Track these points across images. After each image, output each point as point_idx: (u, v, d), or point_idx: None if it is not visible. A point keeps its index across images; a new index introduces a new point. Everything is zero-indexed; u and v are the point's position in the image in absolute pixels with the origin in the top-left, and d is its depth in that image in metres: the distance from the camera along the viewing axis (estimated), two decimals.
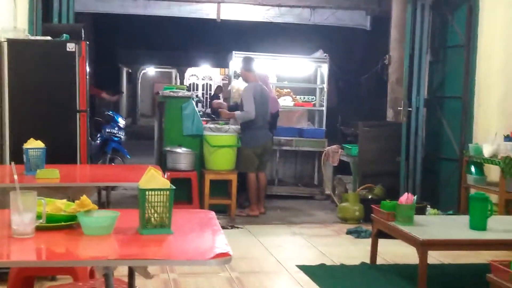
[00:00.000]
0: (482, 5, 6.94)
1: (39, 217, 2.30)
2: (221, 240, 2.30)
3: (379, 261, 5.30)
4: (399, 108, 7.82)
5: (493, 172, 6.46)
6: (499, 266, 3.45)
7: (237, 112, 7.30)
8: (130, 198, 7.89)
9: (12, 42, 5.14)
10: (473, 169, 6.52)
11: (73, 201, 2.48)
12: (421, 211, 6.05)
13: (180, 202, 6.48)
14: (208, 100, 13.85)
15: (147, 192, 2.33)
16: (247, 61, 7.66)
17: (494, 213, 4.90)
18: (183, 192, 6.81)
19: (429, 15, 7.38)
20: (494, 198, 5.76)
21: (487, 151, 6.22)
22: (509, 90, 6.68)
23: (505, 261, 3.48)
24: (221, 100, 8.99)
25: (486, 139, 6.46)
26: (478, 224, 4.73)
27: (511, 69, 6.65)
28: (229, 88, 9.26)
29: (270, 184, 8.29)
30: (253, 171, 7.31)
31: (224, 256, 2.10)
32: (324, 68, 9.14)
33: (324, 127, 9.01)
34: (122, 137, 9.61)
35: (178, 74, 27.23)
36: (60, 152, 4.65)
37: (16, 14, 5.75)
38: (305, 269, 5.08)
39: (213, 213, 2.78)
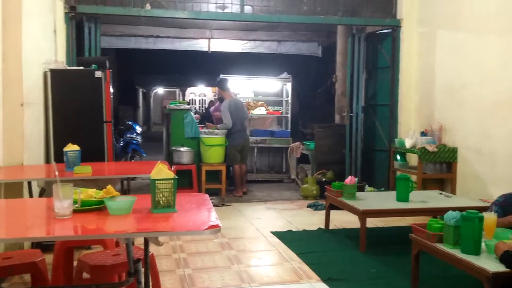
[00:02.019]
0: (402, 37, 6.99)
1: (75, 202, 2.27)
2: (213, 215, 2.29)
3: (331, 226, 5.32)
4: (343, 114, 7.85)
5: (413, 159, 6.52)
6: (418, 227, 3.47)
7: (219, 125, 7.28)
8: (146, 186, 7.77)
9: (54, 71, 5.06)
10: (398, 157, 6.57)
11: (102, 190, 2.44)
12: (361, 189, 6.08)
13: (183, 187, 6.44)
14: (203, 111, 13.88)
15: (156, 181, 2.31)
16: (222, 81, 7.57)
17: (414, 189, 4.94)
18: (186, 180, 6.75)
19: (364, 45, 7.40)
20: (414, 178, 5.83)
21: (408, 144, 6.27)
22: (423, 99, 6.75)
23: (423, 224, 3.50)
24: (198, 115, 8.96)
25: (407, 135, 6.52)
26: (403, 197, 4.77)
27: (424, 84, 6.72)
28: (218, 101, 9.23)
29: (250, 172, 8.27)
30: (237, 164, 7.29)
31: (215, 227, 2.10)
32: (288, 86, 9.14)
33: (289, 129, 9.01)
34: (139, 140, 9.52)
35: (180, 93, 27.00)
36: (92, 153, 4.57)
37: (56, 50, 5.66)
38: (277, 234, 5.08)
39: (207, 196, 2.76)
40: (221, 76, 8.52)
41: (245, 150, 7.45)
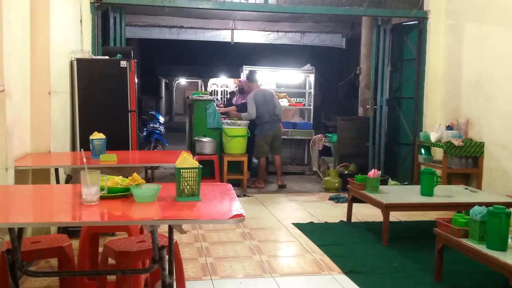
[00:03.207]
0: (429, 29, 6.87)
1: (102, 189, 2.31)
2: (236, 205, 2.30)
3: (353, 219, 5.29)
4: (367, 106, 7.79)
5: (438, 153, 6.43)
6: (443, 222, 3.43)
7: (243, 114, 7.29)
8: (169, 175, 7.90)
9: (80, 61, 5.15)
10: (423, 151, 6.49)
11: (127, 177, 2.48)
12: (384, 182, 6.05)
13: (205, 177, 6.50)
14: (225, 102, 13.87)
15: (181, 170, 2.33)
16: (251, 74, 7.64)
17: (438, 183, 4.88)
18: (208, 170, 6.81)
19: (389, 36, 7.30)
20: (438, 172, 5.75)
21: (433, 137, 6.19)
22: (449, 92, 6.63)
23: (447, 218, 3.46)
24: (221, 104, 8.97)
25: (433, 128, 6.43)
26: (427, 191, 4.72)
27: (450, 77, 6.61)
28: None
29: (271, 164, 8.26)
30: (263, 155, 7.27)
31: (239, 217, 2.10)
32: (311, 77, 9.09)
33: (311, 121, 8.97)
34: (162, 130, 9.63)
35: (203, 83, 27.07)
36: (117, 142, 4.66)
37: (82, 40, 5.74)
38: (298, 226, 5.08)
39: (230, 186, 2.77)
40: (245, 67, 8.55)
41: (276, 141, 7.38)
